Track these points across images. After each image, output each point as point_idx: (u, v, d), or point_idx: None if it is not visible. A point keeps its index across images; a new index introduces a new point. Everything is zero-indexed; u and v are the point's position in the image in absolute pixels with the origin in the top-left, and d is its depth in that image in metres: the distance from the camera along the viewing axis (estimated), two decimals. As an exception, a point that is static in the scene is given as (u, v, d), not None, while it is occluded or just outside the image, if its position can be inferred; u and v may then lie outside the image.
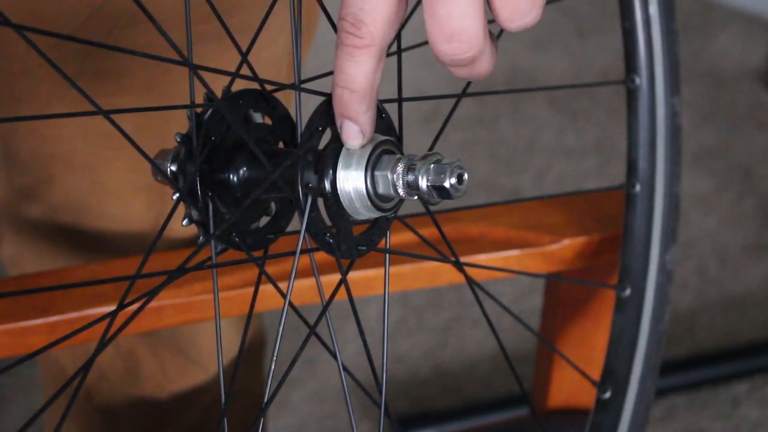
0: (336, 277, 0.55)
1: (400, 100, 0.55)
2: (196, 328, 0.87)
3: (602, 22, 2.10)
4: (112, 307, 0.50)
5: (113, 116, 0.46)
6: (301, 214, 0.51)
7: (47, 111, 0.73)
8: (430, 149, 0.52)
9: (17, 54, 0.71)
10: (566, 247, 0.80)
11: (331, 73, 0.57)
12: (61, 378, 0.91)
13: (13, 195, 0.81)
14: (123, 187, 0.79)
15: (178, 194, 0.51)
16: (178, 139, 0.51)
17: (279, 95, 0.55)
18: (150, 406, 0.91)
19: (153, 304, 0.72)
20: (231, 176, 0.52)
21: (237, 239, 0.53)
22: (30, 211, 0.81)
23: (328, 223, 0.52)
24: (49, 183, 0.79)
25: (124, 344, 0.87)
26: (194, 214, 0.52)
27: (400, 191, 0.50)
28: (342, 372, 0.54)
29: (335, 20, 0.48)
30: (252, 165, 0.52)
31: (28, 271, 0.85)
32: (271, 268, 0.73)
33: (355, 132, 0.48)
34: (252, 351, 0.97)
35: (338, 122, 0.49)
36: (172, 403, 0.90)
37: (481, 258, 0.78)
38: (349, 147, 0.49)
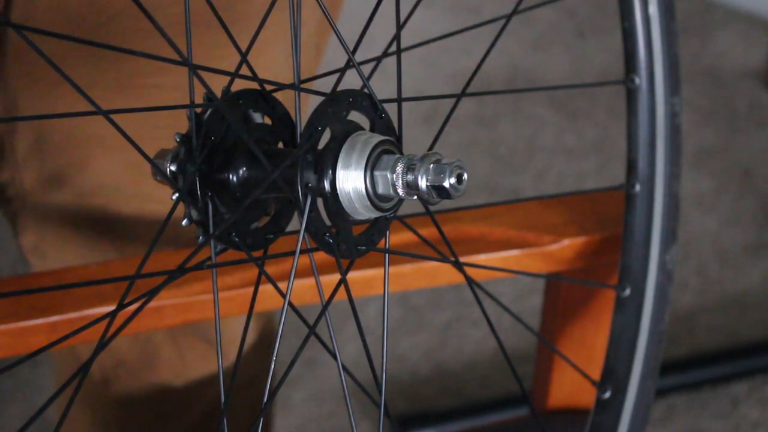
0: (336, 277, 0.55)
1: (399, 100, 0.55)
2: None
3: (602, 22, 2.10)
4: (112, 307, 0.50)
5: (114, 116, 0.46)
6: (301, 214, 0.51)
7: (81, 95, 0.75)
8: (430, 149, 0.52)
9: (50, 41, 0.72)
10: (566, 247, 0.80)
11: (330, 73, 0.57)
12: (74, 363, 0.92)
13: (41, 181, 0.82)
14: None
15: (177, 194, 0.51)
16: (178, 139, 0.51)
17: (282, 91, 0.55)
18: (166, 394, 0.91)
19: (153, 304, 0.72)
20: (231, 176, 0.52)
21: (237, 239, 0.53)
22: (58, 197, 0.82)
23: (328, 223, 0.52)
24: (82, 166, 0.80)
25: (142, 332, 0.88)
26: (194, 214, 0.52)
27: (400, 191, 0.50)
28: (342, 372, 0.54)
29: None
30: (252, 165, 0.52)
31: (51, 257, 0.86)
32: (270, 268, 0.73)
33: None
34: (265, 342, 0.97)
35: None
36: (188, 390, 0.91)
37: (481, 258, 0.78)
38: None
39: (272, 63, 0.78)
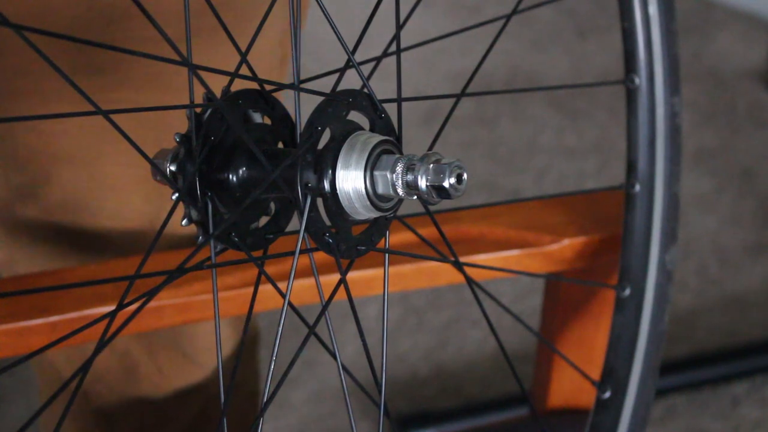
0: (335, 277, 0.55)
1: (399, 100, 0.55)
2: (193, 325, 0.87)
3: (602, 22, 2.10)
4: (112, 307, 0.50)
5: (112, 116, 0.46)
6: (301, 214, 0.51)
7: (46, 108, 0.73)
8: (430, 149, 0.52)
9: (14, 50, 0.70)
10: (566, 247, 0.80)
11: (330, 72, 0.57)
12: (57, 381, 0.91)
13: (8, 196, 0.81)
14: (122, 182, 0.79)
15: (177, 194, 0.51)
16: (178, 139, 0.51)
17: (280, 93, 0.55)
18: (148, 406, 0.91)
19: (153, 304, 0.72)
20: (230, 176, 0.52)
21: (236, 239, 0.53)
22: (25, 211, 0.81)
23: (328, 223, 0.52)
24: (46, 181, 0.79)
25: (119, 345, 0.87)
26: (193, 214, 0.52)
27: (400, 191, 0.50)
28: (342, 372, 0.54)
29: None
30: (251, 165, 0.52)
31: (21, 274, 0.84)
32: (270, 268, 0.73)
33: None
34: (246, 346, 0.97)
35: None
36: (170, 401, 0.91)
37: (481, 258, 0.78)
38: None
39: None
